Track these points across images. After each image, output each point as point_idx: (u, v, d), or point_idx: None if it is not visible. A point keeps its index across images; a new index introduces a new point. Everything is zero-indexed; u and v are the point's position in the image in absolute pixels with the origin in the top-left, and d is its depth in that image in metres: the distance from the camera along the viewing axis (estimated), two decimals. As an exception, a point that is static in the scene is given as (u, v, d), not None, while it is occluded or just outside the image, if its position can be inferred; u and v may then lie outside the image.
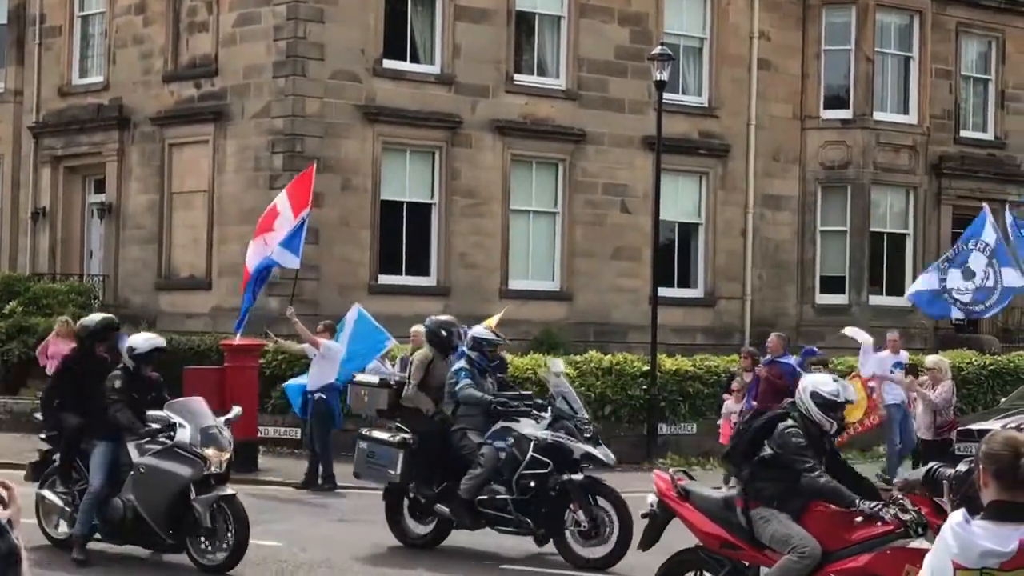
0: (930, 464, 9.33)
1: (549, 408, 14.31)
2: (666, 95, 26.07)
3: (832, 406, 10.02)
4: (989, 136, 35.54)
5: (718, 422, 20.77)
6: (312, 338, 19.48)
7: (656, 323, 24.72)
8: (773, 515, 9.84)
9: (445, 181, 28.26)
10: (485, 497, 14.07)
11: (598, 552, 13.67)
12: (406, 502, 14.87)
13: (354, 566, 13.83)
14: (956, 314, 20.66)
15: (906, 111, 33.14)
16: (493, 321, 20.93)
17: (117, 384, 13.23)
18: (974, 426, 18.94)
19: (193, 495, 12.82)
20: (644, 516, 10.63)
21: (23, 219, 31.82)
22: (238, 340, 21.04)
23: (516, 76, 29.17)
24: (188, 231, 28.81)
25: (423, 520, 14.88)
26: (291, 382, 20.89)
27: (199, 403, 13.74)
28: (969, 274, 20.02)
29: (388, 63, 27.71)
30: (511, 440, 14.01)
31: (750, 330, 31.41)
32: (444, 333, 15.14)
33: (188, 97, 28.75)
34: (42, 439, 14.28)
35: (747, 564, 10.19)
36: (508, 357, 22.65)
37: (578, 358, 23.62)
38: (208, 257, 28.11)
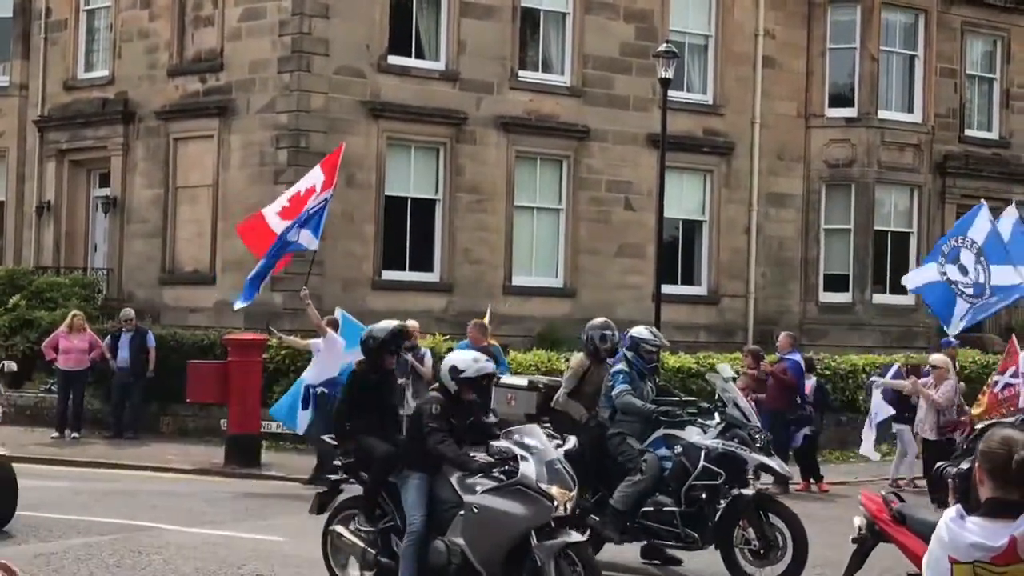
0: (937, 463, 9.30)
1: (716, 414, 13.43)
2: (671, 93, 26.09)
3: None
4: (994, 135, 35.58)
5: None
6: (320, 323, 19.55)
7: (659, 320, 24.73)
8: None
9: (449, 177, 28.30)
10: (650, 509, 13.11)
11: (770, 572, 12.85)
12: None
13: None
14: (961, 311, 20.47)
15: (911, 110, 33.16)
16: (485, 319, 20.94)
17: (435, 410, 11.34)
18: (980, 424, 18.88)
19: (534, 541, 10.85)
20: (853, 540, 10.01)
21: (28, 213, 31.87)
22: (242, 333, 20.99)
23: (521, 73, 29.20)
24: (192, 225, 28.86)
25: None
26: (277, 406, 20.06)
27: (537, 432, 11.55)
28: (964, 270, 19.96)
29: (393, 59, 27.74)
30: (679, 449, 13.12)
31: (753, 328, 31.45)
32: (598, 339, 13.98)
33: (193, 92, 28.79)
34: (337, 466, 12.33)
35: None
36: (511, 353, 22.68)
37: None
38: (212, 252, 28.15)
